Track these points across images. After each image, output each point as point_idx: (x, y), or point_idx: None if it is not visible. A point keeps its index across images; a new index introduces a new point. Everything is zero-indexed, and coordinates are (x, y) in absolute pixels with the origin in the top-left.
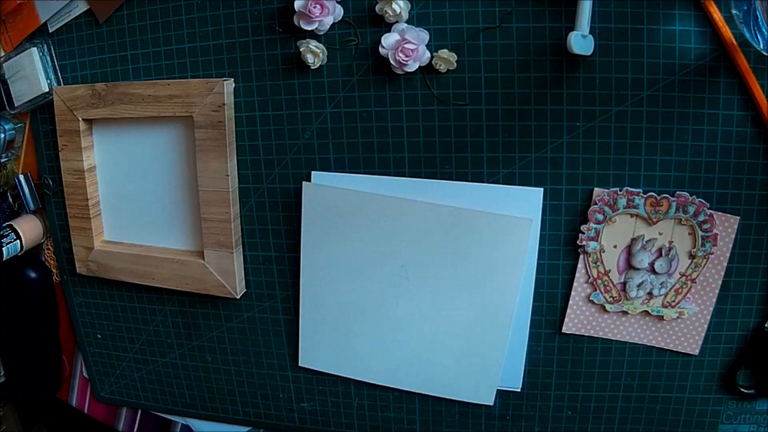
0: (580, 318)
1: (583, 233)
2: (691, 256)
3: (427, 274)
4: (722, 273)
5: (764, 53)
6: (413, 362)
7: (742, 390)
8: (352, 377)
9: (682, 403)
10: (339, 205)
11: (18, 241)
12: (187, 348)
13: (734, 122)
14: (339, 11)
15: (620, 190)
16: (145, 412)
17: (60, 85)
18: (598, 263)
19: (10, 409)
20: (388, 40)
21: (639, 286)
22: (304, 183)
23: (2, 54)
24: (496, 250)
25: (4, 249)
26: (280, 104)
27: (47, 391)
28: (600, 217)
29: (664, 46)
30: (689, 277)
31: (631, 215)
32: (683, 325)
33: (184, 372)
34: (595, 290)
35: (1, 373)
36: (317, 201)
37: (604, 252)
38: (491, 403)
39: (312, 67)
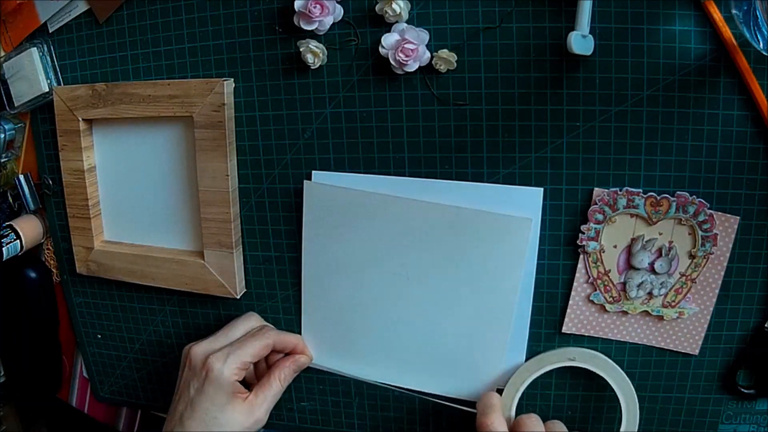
0: (580, 318)
1: (583, 233)
2: (691, 256)
3: (427, 273)
4: (722, 273)
5: (764, 53)
6: (413, 361)
7: (742, 390)
8: (352, 376)
9: (682, 403)
10: (340, 203)
11: (18, 241)
12: None
13: (734, 122)
14: (339, 11)
15: (620, 190)
16: (145, 412)
17: (60, 85)
18: (598, 263)
19: (10, 409)
20: (388, 40)
21: (639, 286)
22: (305, 181)
23: (2, 54)
24: (497, 250)
25: (4, 249)
26: (280, 104)
27: (47, 391)
28: (600, 217)
29: (664, 46)
30: (689, 277)
31: (631, 215)
32: (683, 325)
33: None
34: (595, 290)
35: (1, 373)
36: (318, 199)
37: (604, 252)
38: None
39: (312, 67)
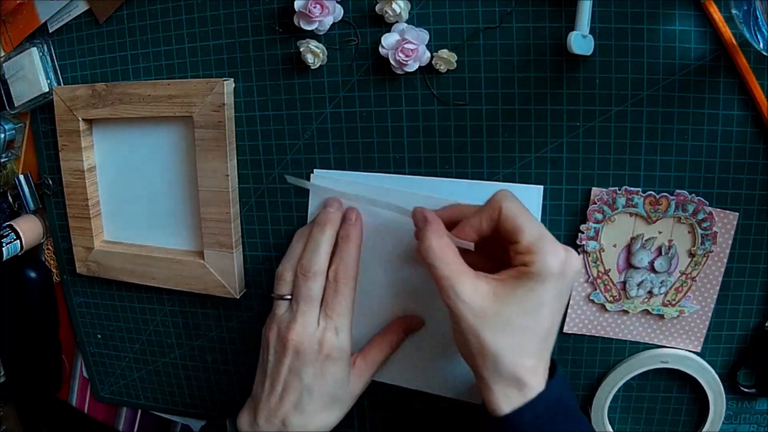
0: (581, 317)
1: (583, 233)
2: (691, 255)
3: (428, 272)
4: (722, 270)
5: (764, 53)
6: (414, 362)
7: (743, 389)
8: None
9: (683, 402)
10: (344, 199)
11: (18, 241)
12: (187, 348)
13: (734, 122)
14: (339, 11)
15: (619, 189)
16: (145, 412)
17: (60, 85)
18: (598, 263)
19: (10, 409)
20: (388, 40)
21: (639, 285)
22: (311, 175)
23: (2, 54)
24: None
25: (4, 249)
26: (280, 104)
27: (47, 391)
28: (599, 216)
29: (664, 46)
30: (689, 276)
31: (631, 214)
32: (684, 323)
33: (184, 372)
34: (595, 290)
35: (1, 373)
36: (324, 198)
37: (603, 251)
38: None
39: (312, 67)
